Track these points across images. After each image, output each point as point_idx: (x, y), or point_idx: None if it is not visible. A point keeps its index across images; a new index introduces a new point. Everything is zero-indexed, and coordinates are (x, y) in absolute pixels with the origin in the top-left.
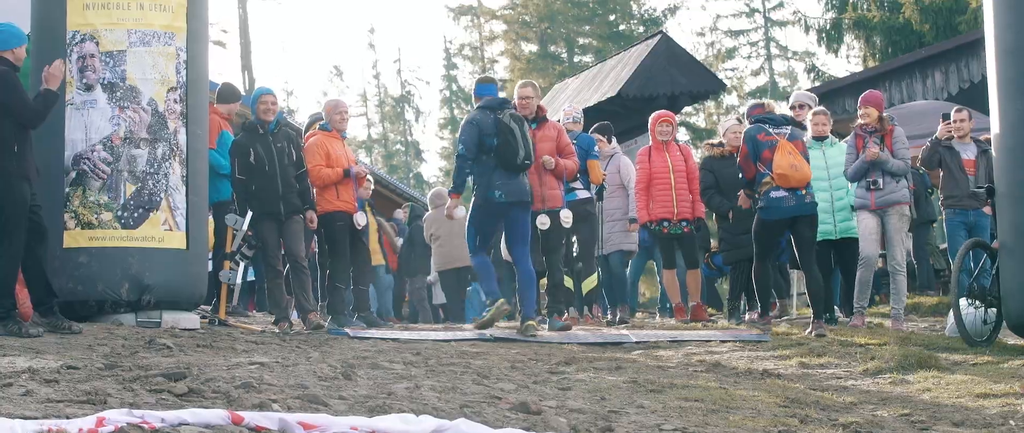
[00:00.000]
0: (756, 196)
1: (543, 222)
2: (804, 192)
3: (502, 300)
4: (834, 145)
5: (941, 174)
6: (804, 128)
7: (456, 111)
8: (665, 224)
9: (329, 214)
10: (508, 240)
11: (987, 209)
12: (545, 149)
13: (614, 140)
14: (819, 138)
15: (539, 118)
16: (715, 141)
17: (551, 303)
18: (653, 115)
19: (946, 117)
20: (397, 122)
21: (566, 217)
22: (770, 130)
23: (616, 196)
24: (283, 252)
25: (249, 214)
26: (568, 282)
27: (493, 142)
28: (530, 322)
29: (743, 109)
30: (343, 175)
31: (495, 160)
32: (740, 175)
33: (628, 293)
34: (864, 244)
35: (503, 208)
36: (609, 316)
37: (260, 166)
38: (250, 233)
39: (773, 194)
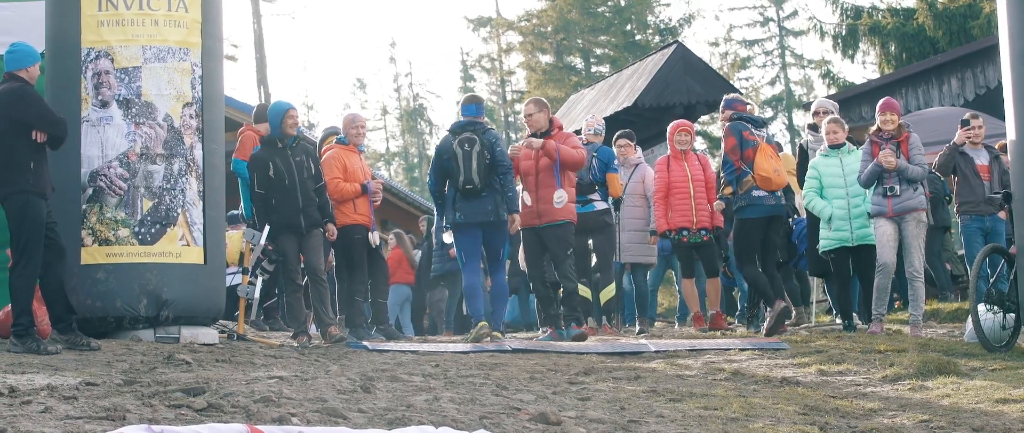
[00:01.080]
0: (732, 196)
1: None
2: (780, 194)
3: (483, 323)
4: (851, 153)
5: (956, 180)
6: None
7: None
8: (685, 233)
9: (346, 227)
10: (487, 257)
11: (1003, 214)
12: (548, 163)
13: (639, 149)
14: (835, 146)
15: (546, 133)
16: None
17: (566, 312)
18: (672, 124)
19: (965, 123)
20: (415, 134)
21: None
22: (753, 130)
23: (638, 206)
24: (302, 266)
25: (266, 229)
26: (586, 292)
27: (449, 166)
28: (496, 333)
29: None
30: (361, 191)
31: (452, 183)
32: (721, 178)
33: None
34: (882, 251)
35: (467, 228)
36: (636, 327)
37: (280, 180)
38: (270, 247)
39: (755, 193)
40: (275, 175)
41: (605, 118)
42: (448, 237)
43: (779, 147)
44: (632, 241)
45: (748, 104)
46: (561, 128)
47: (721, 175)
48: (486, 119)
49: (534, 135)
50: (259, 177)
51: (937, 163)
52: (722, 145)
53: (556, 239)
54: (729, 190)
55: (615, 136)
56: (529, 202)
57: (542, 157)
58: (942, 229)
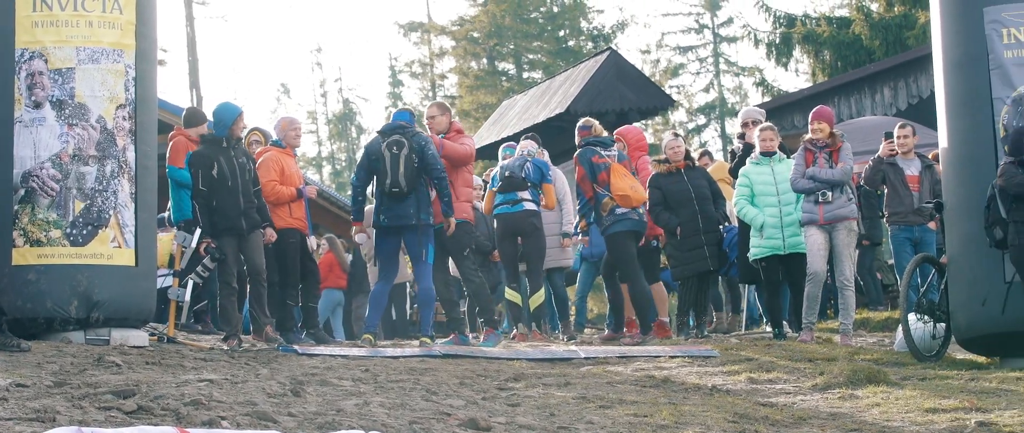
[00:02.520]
0: (588, 229)
1: (450, 225)
2: (641, 210)
3: (368, 336)
4: (782, 161)
5: (886, 191)
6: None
7: None
8: None
9: (281, 231)
10: (411, 261)
11: (932, 225)
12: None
13: (545, 153)
14: (767, 154)
15: (443, 133)
16: (660, 158)
17: (480, 313)
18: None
19: (888, 136)
20: (345, 139)
21: (450, 224)
22: (602, 153)
23: (550, 211)
24: (243, 268)
25: (198, 231)
26: (515, 297)
27: (377, 167)
28: (424, 339)
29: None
30: (296, 194)
31: (378, 185)
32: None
33: (572, 309)
34: (812, 259)
35: (393, 232)
36: (561, 333)
37: (222, 180)
38: (214, 245)
39: (619, 211)
40: (218, 175)
41: (537, 125)
42: (359, 237)
43: (710, 156)
44: (550, 246)
45: (592, 127)
46: (459, 131)
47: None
48: (417, 126)
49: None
50: (203, 175)
51: (864, 176)
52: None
53: (453, 239)
54: (583, 224)
55: (521, 138)
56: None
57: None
58: (873, 245)
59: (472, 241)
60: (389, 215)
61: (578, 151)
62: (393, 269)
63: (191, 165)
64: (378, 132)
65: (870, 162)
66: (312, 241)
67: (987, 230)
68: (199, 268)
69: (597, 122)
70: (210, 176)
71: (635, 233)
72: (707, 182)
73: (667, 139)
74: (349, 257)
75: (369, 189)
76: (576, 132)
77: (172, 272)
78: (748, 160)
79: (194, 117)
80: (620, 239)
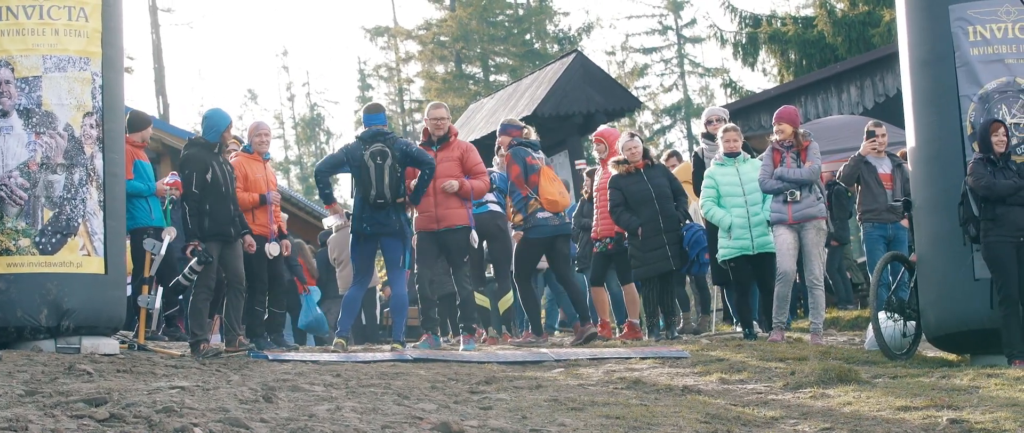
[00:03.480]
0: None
1: (473, 238)
2: (564, 214)
3: (341, 341)
4: (747, 161)
5: (858, 189)
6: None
7: None
8: (595, 244)
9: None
10: (386, 267)
11: (904, 222)
12: (447, 170)
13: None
14: (731, 154)
15: (443, 138)
16: (619, 158)
17: (462, 321)
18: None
19: (871, 134)
20: (311, 144)
21: (474, 237)
22: (533, 154)
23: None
24: (221, 275)
25: (166, 238)
26: (484, 301)
27: (358, 175)
28: (396, 344)
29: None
30: (259, 201)
31: (360, 194)
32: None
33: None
34: (782, 259)
35: (368, 240)
36: (524, 336)
37: (216, 185)
38: (201, 248)
39: (540, 215)
40: (212, 180)
41: None
42: (335, 218)
43: (678, 156)
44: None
45: (524, 128)
46: (456, 134)
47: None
48: (388, 128)
49: (429, 140)
50: (197, 178)
51: (842, 173)
52: (508, 173)
53: (455, 244)
54: (519, 218)
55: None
56: (428, 207)
57: (442, 162)
58: (841, 245)
59: (470, 250)
60: (372, 223)
61: (512, 149)
62: (368, 274)
63: (183, 167)
64: (358, 138)
65: (851, 159)
66: (272, 247)
67: (962, 226)
68: (187, 270)
69: (527, 126)
70: (204, 180)
71: (550, 240)
72: (668, 180)
73: (624, 140)
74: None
75: (347, 191)
76: (503, 130)
77: (143, 279)
78: (713, 161)
79: (138, 121)
80: (530, 245)
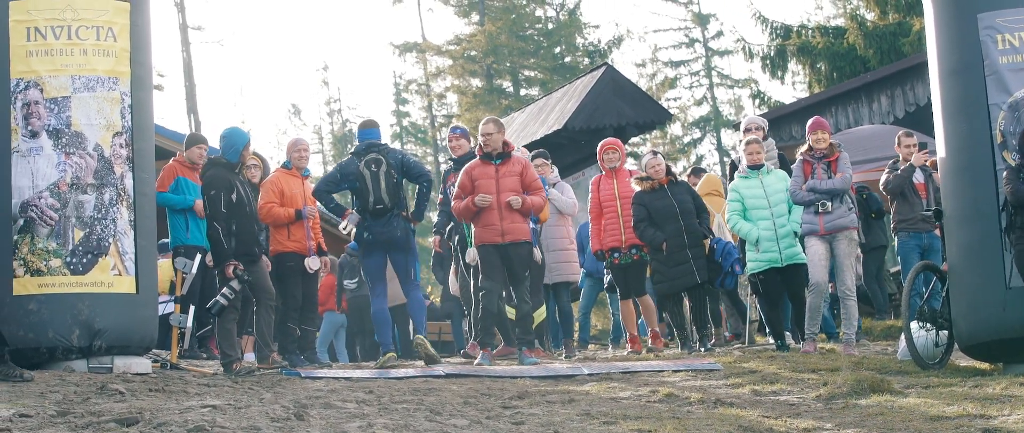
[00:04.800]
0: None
1: (471, 257)
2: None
3: (391, 354)
4: (770, 173)
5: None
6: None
7: (407, 146)
8: (616, 254)
9: (280, 255)
10: (400, 280)
11: (937, 231)
12: (508, 185)
13: (555, 168)
14: (755, 167)
15: (503, 154)
16: (642, 175)
17: (521, 335)
18: (601, 143)
19: (923, 146)
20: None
21: (537, 254)
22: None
23: (557, 224)
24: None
25: (198, 257)
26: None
27: (356, 186)
28: (390, 354)
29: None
30: (295, 216)
31: (359, 204)
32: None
33: (575, 326)
34: (813, 270)
35: (379, 248)
36: (563, 350)
37: (241, 205)
38: (241, 268)
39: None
40: (237, 200)
41: (536, 141)
42: (352, 219)
43: (698, 173)
44: (553, 261)
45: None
46: (513, 149)
47: None
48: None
49: (489, 154)
50: (225, 198)
51: (891, 185)
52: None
53: (519, 258)
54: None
55: (531, 156)
56: (493, 221)
57: (504, 176)
58: (880, 249)
59: (531, 264)
60: (373, 231)
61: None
62: (383, 285)
63: (209, 187)
64: (352, 153)
65: (902, 170)
66: (313, 261)
67: (1004, 233)
68: (226, 290)
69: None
70: (230, 200)
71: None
72: (690, 196)
73: (647, 158)
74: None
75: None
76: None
77: (173, 298)
78: (736, 174)
79: (194, 139)
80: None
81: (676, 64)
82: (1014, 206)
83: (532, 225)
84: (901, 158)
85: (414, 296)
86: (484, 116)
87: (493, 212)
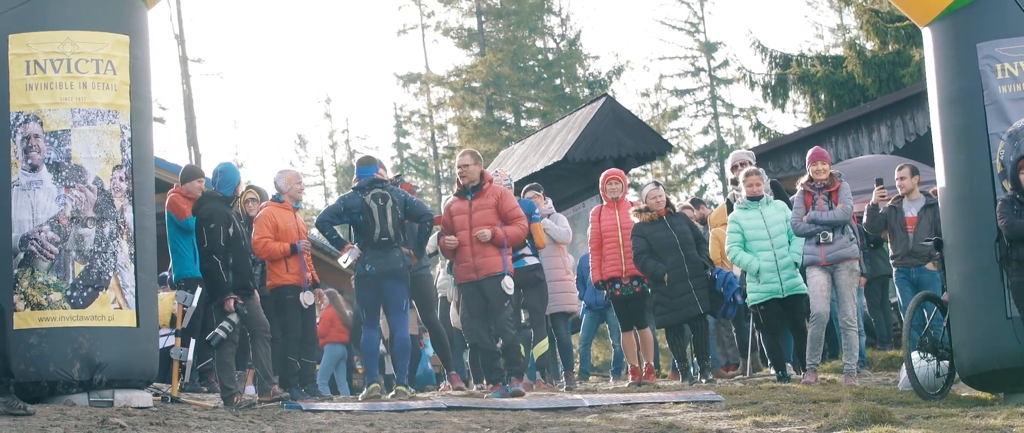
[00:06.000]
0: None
1: (508, 286)
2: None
3: (375, 385)
4: (770, 203)
5: (886, 234)
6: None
7: (408, 178)
8: (617, 286)
9: (278, 288)
10: (385, 310)
11: (930, 266)
12: (482, 218)
13: (548, 200)
14: (754, 198)
15: (477, 187)
16: (642, 207)
17: (508, 365)
18: (603, 174)
19: (880, 182)
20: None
21: (508, 284)
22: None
23: (554, 255)
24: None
25: (198, 291)
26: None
27: (359, 220)
28: (400, 388)
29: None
30: (290, 251)
31: (362, 237)
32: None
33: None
34: (815, 301)
35: (376, 280)
36: (563, 382)
37: (238, 239)
38: (241, 302)
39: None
40: (234, 234)
41: (536, 173)
42: (351, 253)
43: (695, 204)
44: (550, 291)
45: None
46: (491, 181)
47: None
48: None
49: (465, 189)
50: (223, 232)
51: (866, 224)
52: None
53: (493, 292)
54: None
55: (524, 189)
56: (466, 258)
57: (477, 210)
58: (883, 278)
59: (509, 295)
60: (376, 264)
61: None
62: (376, 316)
63: (209, 220)
64: (355, 188)
65: (866, 211)
66: (307, 296)
67: (999, 265)
68: (226, 324)
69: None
70: (228, 234)
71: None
72: (689, 227)
73: (648, 189)
74: (350, 312)
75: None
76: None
77: (174, 332)
78: (735, 206)
79: (191, 173)
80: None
81: (681, 93)
82: (1009, 239)
83: (531, 253)
84: (900, 191)
85: (400, 336)
86: (484, 146)
87: (466, 249)
